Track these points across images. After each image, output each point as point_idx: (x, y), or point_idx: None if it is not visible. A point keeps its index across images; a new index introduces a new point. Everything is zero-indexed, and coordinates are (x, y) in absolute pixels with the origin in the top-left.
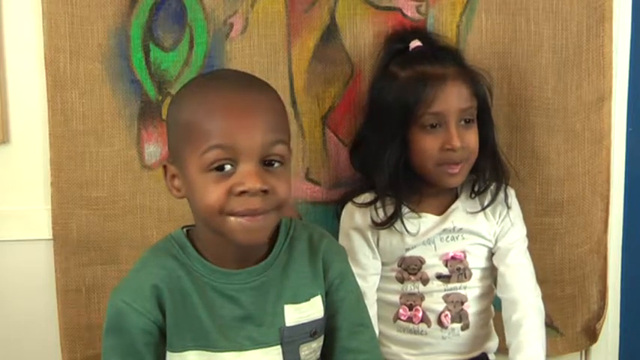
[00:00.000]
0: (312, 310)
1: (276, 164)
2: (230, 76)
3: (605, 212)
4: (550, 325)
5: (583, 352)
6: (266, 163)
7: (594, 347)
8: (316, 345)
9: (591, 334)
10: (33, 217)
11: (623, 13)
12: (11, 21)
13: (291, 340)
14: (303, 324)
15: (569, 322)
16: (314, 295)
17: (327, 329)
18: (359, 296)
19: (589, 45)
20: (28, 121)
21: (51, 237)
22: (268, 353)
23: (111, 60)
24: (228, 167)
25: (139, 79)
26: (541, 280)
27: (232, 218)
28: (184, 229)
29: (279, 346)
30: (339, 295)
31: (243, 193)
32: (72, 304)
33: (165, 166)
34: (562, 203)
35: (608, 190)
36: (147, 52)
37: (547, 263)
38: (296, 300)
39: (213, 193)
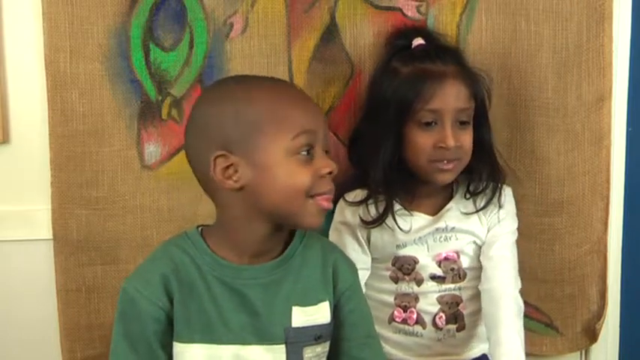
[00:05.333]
0: (318, 314)
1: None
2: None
3: (604, 212)
4: (550, 325)
5: (583, 352)
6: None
7: (594, 347)
8: (321, 350)
9: (591, 334)
10: (33, 217)
11: (623, 13)
12: (11, 21)
13: (295, 341)
14: (308, 327)
15: (569, 322)
16: (322, 301)
17: (336, 339)
18: (368, 309)
19: (589, 45)
20: (28, 121)
21: (51, 237)
22: (271, 351)
23: (111, 60)
24: (310, 151)
25: (139, 79)
26: (541, 280)
27: (312, 201)
28: (199, 228)
29: (283, 345)
30: (350, 306)
31: (328, 174)
32: (72, 304)
33: (217, 157)
34: (562, 203)
35: (608, 190)
36: (147, 52)
37: (547, 263)
38: (304, 303)
39: (302, 175)
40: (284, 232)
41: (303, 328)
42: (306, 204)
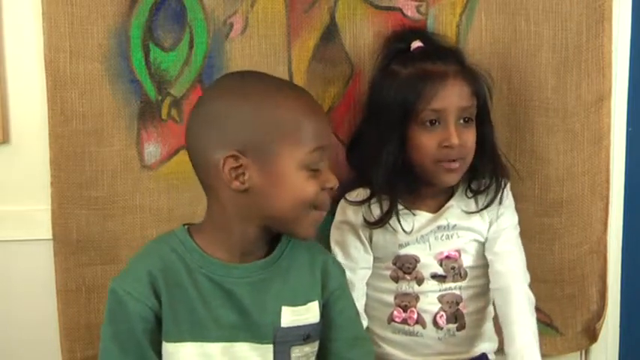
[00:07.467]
0: (308, 314)
1: None
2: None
3: (604, 212)
4: (550, 325)
5: (583, 352)
6: None
7: (594, 347)
8: (309, 349)
9: (591, 334)
10: (33, 217)
11: (623, 13)
12: (11, 21)
13: (283, 340)
14: (297, 326)
15: (569, 322)
16: (312, 300)
17: (325, 339)
18: (356, 310)
19: (589, 45)
20: (28, 121)
21: (51, 237)
22: (259, 349)
23: (111, 60)
24: (319, 165)
25: (138, 79)
26: (541, 280)
27: (313, 212)
28: (186, 226)
29: (271, 345)
30: (339, 306)
31: (331, 189)
32: (72, 304)
33: (229, 157)
34: (561, 203)
35: (607, 190)
36: (147, 52)
37: (546, 263)
38: (294, 302)
39: (310, 187)
40: (272, 233)
41: (292, 327)
42: (308, 215)
